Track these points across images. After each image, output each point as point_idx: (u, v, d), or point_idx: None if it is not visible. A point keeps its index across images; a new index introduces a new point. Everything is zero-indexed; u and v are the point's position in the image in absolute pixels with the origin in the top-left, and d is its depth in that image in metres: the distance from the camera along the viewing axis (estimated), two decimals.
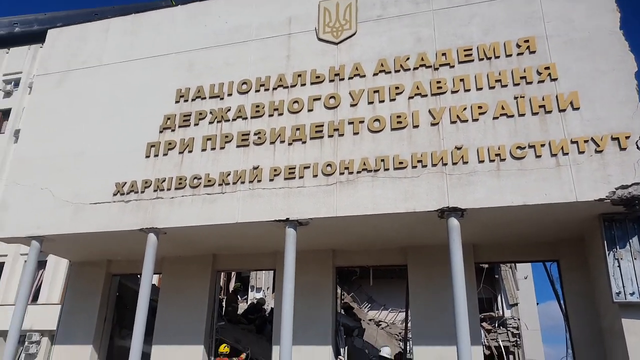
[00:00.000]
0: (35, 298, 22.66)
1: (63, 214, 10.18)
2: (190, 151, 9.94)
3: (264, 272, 16.84)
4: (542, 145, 7.97)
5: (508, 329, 13.61)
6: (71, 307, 12.15)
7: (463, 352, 7.47)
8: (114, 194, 10.00)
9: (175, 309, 11.11)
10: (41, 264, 22.20)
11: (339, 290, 11.41)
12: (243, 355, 10.75)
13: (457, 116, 8.59)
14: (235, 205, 9.21)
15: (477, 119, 8.49)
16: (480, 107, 8.52)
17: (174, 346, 10.80)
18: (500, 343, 12.66)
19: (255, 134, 9.61)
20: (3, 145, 27.79)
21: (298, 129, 9.37)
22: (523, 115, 8.28)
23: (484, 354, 9.75)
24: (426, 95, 8.93)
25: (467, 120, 8.54)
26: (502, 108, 8.41)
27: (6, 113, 28.45)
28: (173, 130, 10.20)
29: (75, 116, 11.06)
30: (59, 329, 12.16)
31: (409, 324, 10.69)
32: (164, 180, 9.78)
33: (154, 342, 10.92)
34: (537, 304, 18.20)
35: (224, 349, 10.31)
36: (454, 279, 7.87)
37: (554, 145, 7.91)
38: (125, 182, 10.00)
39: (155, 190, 9.79)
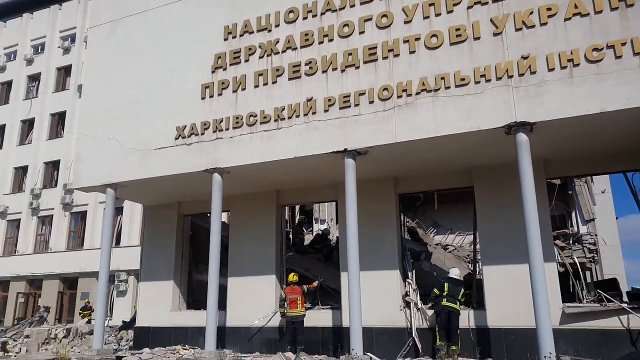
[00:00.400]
0: (117, 242, 24.52)
1: (131, 161, 10.62)
2: (243, 89, 9.87)
3: (326, 204, 17.07)
4: (623, 44, 7.16)
5: (584, 245, 13.15)
6: (150, 248, 12.98)
7: (536, 270, 7.29)
8: (176, 138, 10.24)
9: (245, 244, 11.57)
10: (118, 210, 23.84)
11: (402, 217, 11.33)
12: (316, 283, 11.11)
13: (523, 22, 7.85)
14: (293, 140, 9.17)
15: (546, 23, 7.72)
16: (549, 9, 7.72)
17: (247, 277, 11.36)
18: (576, 260, 12.29)
19: (306, 64, 9.34)
20: (69, 101, 29.15)
21: (350, 54, 8.98)
22: (600, 12, 7.42)
23: (558, 271, 9.47)
24: (487, 3, 8.19)
25: (534, 26, 7.79)
26: (575, 7, 7.56)
27: (67, 69, 29.58)
28: (225, 69, 10.12)
29: (128, 64, 11.21)
30: (142, 268, 13.10)
31: (478, 245, 10.56)
32: (221, 121, 9.86)
33: (228, 275, 11.52)
34: (617, 218, 17.35)
35: (293, 277, 10.69)
36: (524, 197, 7.56)
37: (637, 42, 7.09)
38: (185, 126, 10.18)
39: (214, 131, 9.91)
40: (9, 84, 31.63)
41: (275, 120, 9.36)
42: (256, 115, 9.55)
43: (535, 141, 7.74)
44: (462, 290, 9.28)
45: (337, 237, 13.53)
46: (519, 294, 8.57)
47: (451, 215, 15.15)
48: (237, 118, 9.71)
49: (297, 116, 9.18)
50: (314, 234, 16.19)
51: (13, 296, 28.32)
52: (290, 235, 13.81)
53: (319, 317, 10.52)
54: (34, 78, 30.85)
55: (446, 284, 9.26)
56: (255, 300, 11.09)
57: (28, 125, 31.57)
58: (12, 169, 31.00)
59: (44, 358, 10.17)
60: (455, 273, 9.59)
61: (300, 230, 14.73)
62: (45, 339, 15.74)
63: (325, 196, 11.71)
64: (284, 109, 9.32)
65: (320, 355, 9.73)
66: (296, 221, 15.86)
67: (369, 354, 8.36)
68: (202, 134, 10.00)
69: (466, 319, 9.19)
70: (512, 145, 7.76)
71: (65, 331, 16.16)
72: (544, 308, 7.17)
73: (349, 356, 7.96)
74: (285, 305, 10.41)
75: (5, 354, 14.53)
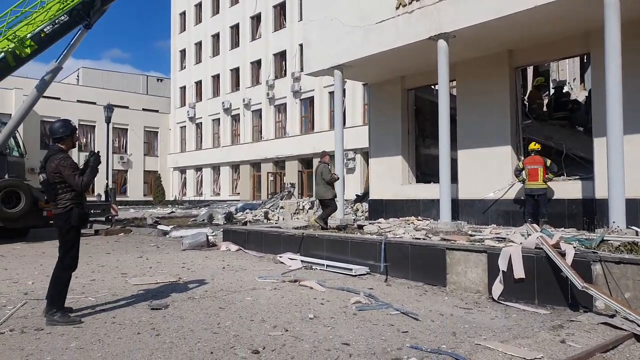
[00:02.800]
0: (342, 123, 26.16)
1: (354, 39, 10.59)
2: None
3: (567, 62, 14.67)
4: None
5: None
6: (377, 125, 13.30)
7: None
8: (396, 8, 9.71)
9: (475, 113, 10.85)
10: None
11: None
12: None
13: None
14: None
15: None
16: None
17: (479, 149, 10.79)
18: None
19: None
20: None
21: None
22: None
23: None
24: None
25: None
26: None
27: None
28: None
29: None
30: (371, 145, 13.62)
31: None
32: None
33: (458, 148, 11.09)
34: None
35: (534, 146, 9.70)
36: None
37: None
38: None
39: None
40: None
41: None
42: None
43: None
44: None
45: (588, 95, 11.68)
46: None
47: None
48: None
49: None
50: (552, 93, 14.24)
51: (265, 176, 33.54)
52: (527, 102, 12.38)
53: (565, 189, 9.52)
54: None
55: None
56: (488, 172, 10.56)
57: (256, 20, 34.70)
58: (249, 63, 35.06)
59: (299, 224, 11.77)
60: None
61: (538, 95, 13.02)
62: (295, 209, 18.40)
63: (570, 50, 9.90)
64: None
65: (568, 228, 8.91)
66: (532, 85, 14.07)
67: (634, 227, 7.25)
68: None
69: None
70: None
71: (310, 203, 18.54)
72: None
73: (607, 229, 7.03)
74: (524, 176, 9.67)
75: (268, 220, 17.51)
